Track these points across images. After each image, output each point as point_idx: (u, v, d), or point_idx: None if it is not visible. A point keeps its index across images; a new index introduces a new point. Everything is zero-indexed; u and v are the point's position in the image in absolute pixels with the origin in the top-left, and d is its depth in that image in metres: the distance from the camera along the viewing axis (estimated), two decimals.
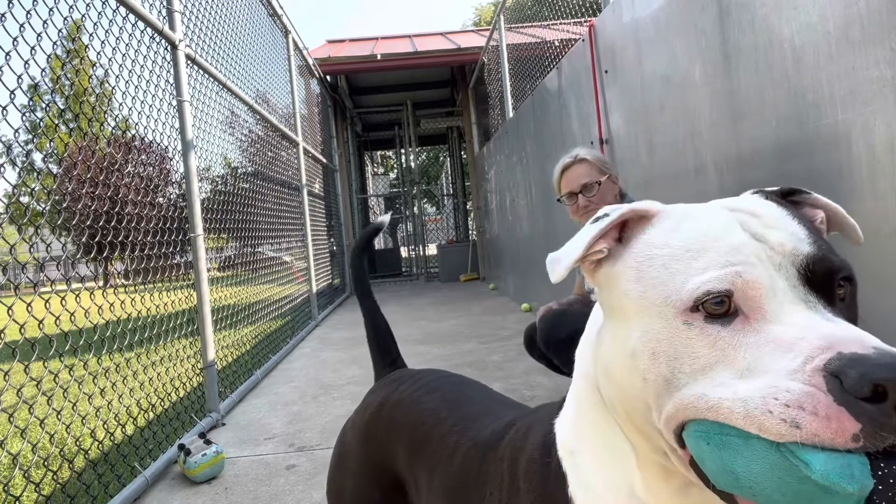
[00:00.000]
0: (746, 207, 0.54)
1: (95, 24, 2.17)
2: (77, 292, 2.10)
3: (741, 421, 0.41)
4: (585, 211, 1.98)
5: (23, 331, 1.69)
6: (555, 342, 1.93)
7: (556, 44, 4.65)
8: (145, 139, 2.63)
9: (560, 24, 5.16)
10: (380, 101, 10.99)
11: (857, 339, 0.41)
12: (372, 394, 1.09)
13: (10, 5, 1.68)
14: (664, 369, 0.47)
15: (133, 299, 2.39)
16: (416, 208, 10.94)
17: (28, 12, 1.75)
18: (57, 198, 2.02)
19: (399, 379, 1.06)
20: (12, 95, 1.66)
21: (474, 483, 0.76)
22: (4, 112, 1.59)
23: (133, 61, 2.46)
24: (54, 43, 1.90)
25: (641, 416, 0.50)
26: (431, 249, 11.95)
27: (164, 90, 2.74)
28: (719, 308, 0.45)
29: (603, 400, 0.57)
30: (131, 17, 2.42)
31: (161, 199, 3.40)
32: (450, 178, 13.76)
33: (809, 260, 0.47)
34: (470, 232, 12.06)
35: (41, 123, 1.85)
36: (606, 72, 2.92)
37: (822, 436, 0.39)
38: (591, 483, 0.58)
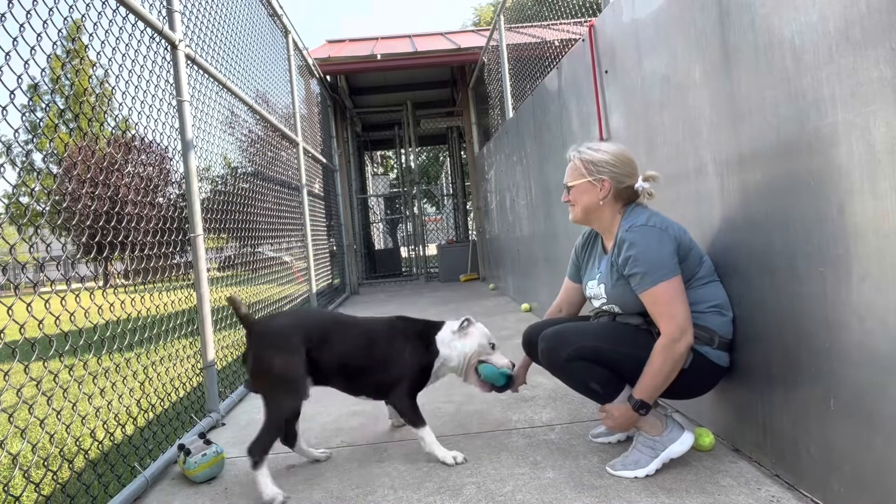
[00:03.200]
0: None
1: (95, 24, 2.17)
2: (77, 292, 2.10)
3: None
4: (568, 205, 2.05)
5: (23, 331, 1.69)
6: (558, 365, 1.92)
7: (556, 44, 4.65)
8: (145, 139, 2.63)
9: (560, 24, 5.16)
10: (380, 101, 10.99)
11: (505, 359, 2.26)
12: (282, 317, 2.10)
13: (10, 5, 1.68)
14: (482, 353, 2.23)
15: (133, 299, 2.39)
16: (416, 208, 10.94)
17: (28, 12, 1.75)
18: (57, 198, 2.02)
19: (295, 313, 2.16)
20: (12, 95, 1.66)
21: (379, 343, 2.13)
22: (4, 112, 1.59)
23: (133, 61, 2.46)
24: (54, 43, 1.90)
25: (464, 355, 2.22)
26: (431, 249, 11.95)
27: (163, 90, 2.74)
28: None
29: (456, 347, 2.22)
30: (131, 17, 2.42)
31: (161, 199, 3.40)
32: (450, 178, 13.75)
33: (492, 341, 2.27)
34: (470, 232, 12.06)
35: (41, 123, 1.85)
36: (606, 72, 2.92)
37: (504, 366, 2.19)
38: (443, 354, 2.22)
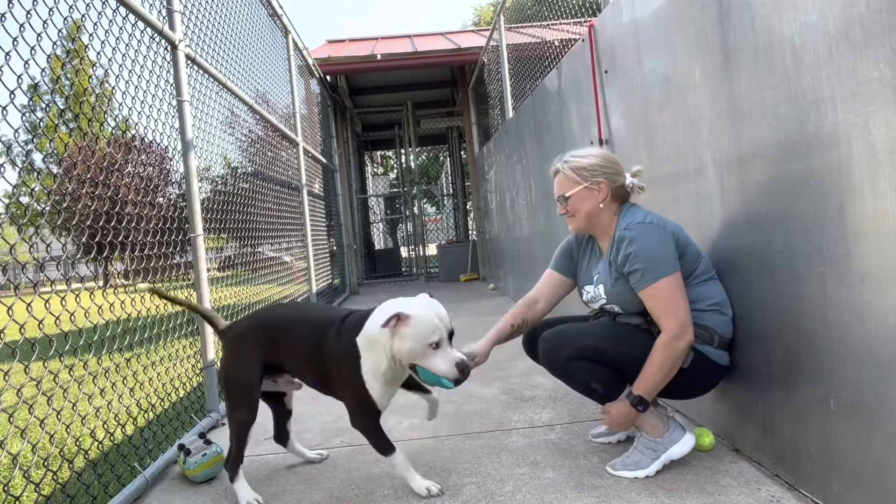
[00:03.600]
0: (431, 305, 1.75)
1: (95, 24, 2.17)
2: (77, 292, 2.10)
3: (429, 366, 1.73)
4: (567, 217, 2.00)
5: (23, 331, 1.69)
6: (559, 365, 1.91)
7: (556, 44, 4.65)
8: (145, 139, 2.63)
9: (560, 24, 5.16)
10: (380, 101, 10.99)
11: (455, 355, 1.72)
12: (246, 319, 1.99)
13: (10, 5, 1.68)
14: (418, 356, 1.72)
15: (133, 299, 2.39)
16: (416, 208, 10.94)
17: (28, 12, 1.75)
18: (57, 198, 2.02)
19: (261, 314, 1.99)
20: (12, 95, 1.66)
21: (321, 350, 1.84)
22: (4, 112, 1.59)
23: (133, 61, 2.46)
24: (54, 43, 1.90)
25: (400, 361, 1.74)
26: (431, 249, 11.95)
27: (163, 90, 2.74)
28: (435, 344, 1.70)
29: (383, 349, 1.74)
30: (131, 17, 2.42)
31: (161, 199, 3.40)
32: (450, 178, 13.75)
33: (450, 328, 1.75)
34: (470, 232, 12.06)
35: (41, 123, 1.85)
36: (606, 72, 2.92)
37: (447, 376, 1.70)
38: (369, 361, 1.77)
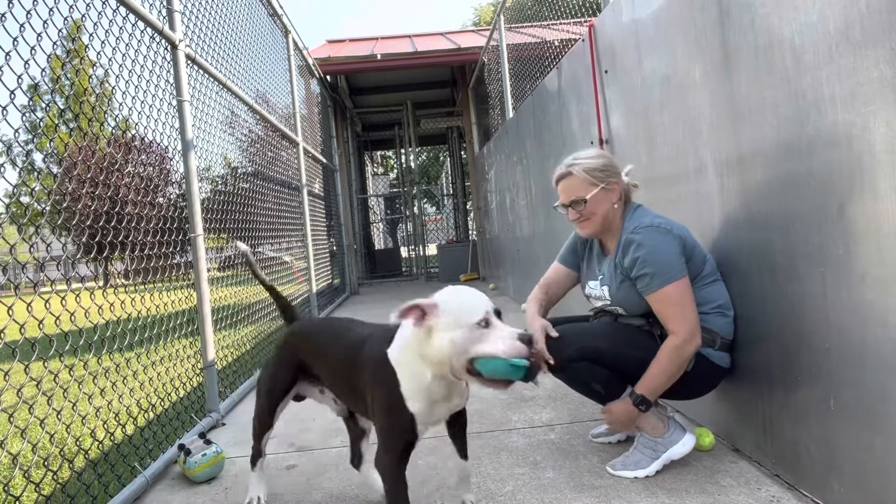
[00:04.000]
0: (459, 287, 1.44)
1: (95, 24, 2.17)
2: (77, 292, 2.10)
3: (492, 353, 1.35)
4: (577, 223, 1.95)
5: (23, 331, 1.69)
6: (560, 366, 1.90)
7: (556, 44, 4.65)
8: (145, 139, 2.63)
9: (560, 24, 5.16)
10: (380, 101, 10.99)
11: (513, 330, 1.34)
12: (288, 330, 1.90)
13: (10, 5, 1.68)
14: (468, 346, 1.35)
15: (133, 299, 2.39)
16: (416, 208, 10.93)
17: (28, 12, 1.75)
18: (57, 198, 2.02)
19: (304, 323, 1.89)
20: (12, 95, 1.66)
21: (353, 365, 1.61)
22: (4, 112, 1.59)
23: (133, 61, 2.46)
24: (54, 43, 1.90)
25: (444, 362, 1.38)
26: (431, 249, 11.95)
27: (164, 90, 2.74)
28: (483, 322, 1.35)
29: (419, 354, 1.43)
30: (131, 17, 2.42)
31: (161, 199, 3.40)
32: (450, 178, 13.75)
33: (495, 308, 1.38)
34: (470, 232, 12.05)
35: (41, 123, 1.85)
36: (606, 72, 2.92)
37: (514, 354, 1.32)
38: (407, 374, 1.46)
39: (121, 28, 2.36)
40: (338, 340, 1.70)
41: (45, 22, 1.81)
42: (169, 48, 2.77)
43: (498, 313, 1.38)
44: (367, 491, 1.91)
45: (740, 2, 1.73)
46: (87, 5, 2.12)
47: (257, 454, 1.88)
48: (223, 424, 2.81)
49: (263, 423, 1.85)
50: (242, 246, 1.97)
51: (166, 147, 2.84)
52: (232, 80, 3.84)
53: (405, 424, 1.45)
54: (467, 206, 12.14)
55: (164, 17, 2.73)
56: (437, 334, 1.36)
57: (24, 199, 2.09)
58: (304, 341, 1.81)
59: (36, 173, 2.01)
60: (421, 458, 2.15)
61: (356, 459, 1.94)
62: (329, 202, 8.19)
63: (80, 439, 2.53)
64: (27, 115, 1.82)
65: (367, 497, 1.87)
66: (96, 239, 2.21)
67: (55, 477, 1.90)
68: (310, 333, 1.81)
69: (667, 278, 1.74)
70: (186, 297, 2.83)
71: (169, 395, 2.87)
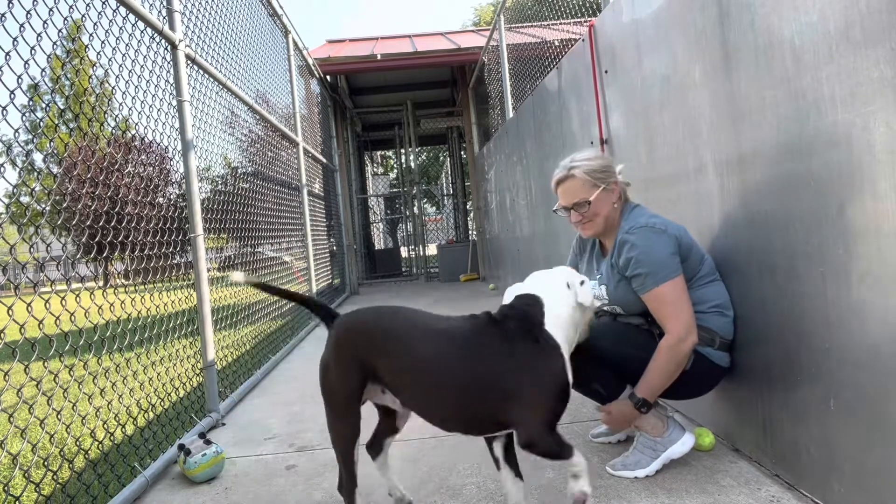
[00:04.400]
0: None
1: (95, 24, 2.17)
2: (77, 292, 2.10)
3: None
4: (580, 224, 1.95)
5: (23, 331, 1.69)
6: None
7: (556, 44, 4.65)
8: (145, 139, 2.63)
9: (560, 24, 5.16)
10: (380, 101, 10.99)
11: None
12: (338, 324, 1.62)
13: (10, 5, 1.68)
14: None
15: (133, 299, 2.39)
16: (416, 208, 10.94)
17: (28, 12, 1.75)
18: (57, 198, 2.02)
19: (355, 313, 1.63)
20: (12, 95, 1.66)
21: (470, 347, 1.45)
22: (4, 112, 1.59)
23: (133, 61, 2.46)
24: (54, 43, 1.90)
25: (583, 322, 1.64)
26: (431, 249, 11.95)
27: (164, 90, 2.74)
28: None
29: (573, 324, 1.56)
30: (131, 17, 2.42)
31: (161, 199, 3.40)
32: (450, 178, 13.75)
33: None
34: (470, 232, 12.05)
35: (41, 123, 1.85)
36: (606, 72, 2.92)
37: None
38: (566, 346, 1.50)
39: (121, 28, 2.36)
40: (437, 335, 1.49)
41: (44, 22, 1.82)
42: (169, 48, 2.77)
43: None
44: (388, 485, 1.80)
45: (740, 2, 1.73)
46: (87, 5, 2.12)
47: (353, 483, 1.59)
48: (223, 424, 2.81)
49: (348, 437, 1.56)
50: (238, 277, 1.75)
51: (166, 147, 2.84)
52: (232, 80, 3.84)
53: (566, 397, 1.46)
54: (467, 206, 12.14)
55: (164, 18, 2.73)
56: (579, 297, 1.57)
57: (24, 199, 2.09)
58: (366, 339, 1.54)
59: (36, 173, 2.01)
60: (421, 458, 2.15)
61: (375, 447, 1.76)
62: (329, 202, 8.19)
63: (80, 439, 2.53)
64: (27, 115, 1.82)
65: (367, 497, 1.87)
66: (96, 239, 2.21)
67: (55, 477, 1.90)
68: (376, 329, 1.54)
69: (661, 277, 1.75)
70: (186, 298, 2.83)
71: (169, 395, 2.87)
